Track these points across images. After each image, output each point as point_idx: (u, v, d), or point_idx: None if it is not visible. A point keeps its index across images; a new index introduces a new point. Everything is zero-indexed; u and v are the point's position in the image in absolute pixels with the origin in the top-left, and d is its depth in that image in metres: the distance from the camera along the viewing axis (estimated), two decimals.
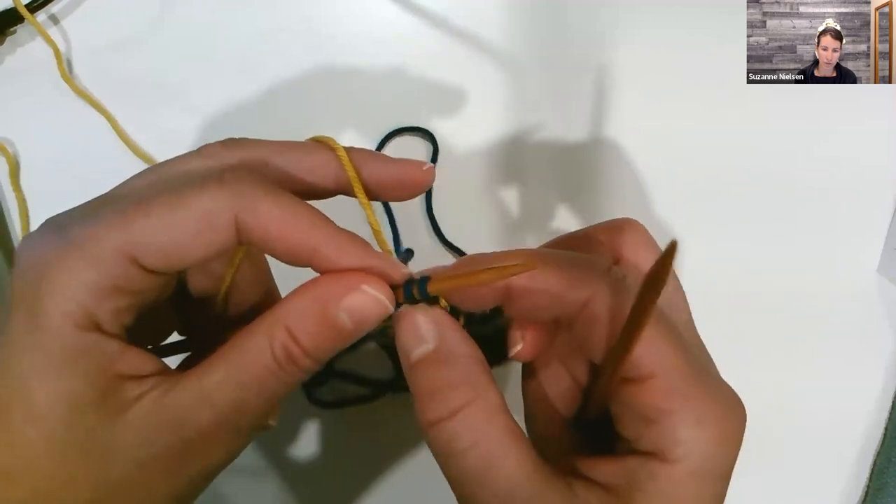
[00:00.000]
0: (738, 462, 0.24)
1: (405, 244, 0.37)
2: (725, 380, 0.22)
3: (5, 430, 0.19)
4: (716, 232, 0.38)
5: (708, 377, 0.21)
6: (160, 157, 0.38)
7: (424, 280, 0.21)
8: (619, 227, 0.24)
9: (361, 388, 0.36)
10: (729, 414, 0.21)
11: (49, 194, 0.37)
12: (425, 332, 0.21)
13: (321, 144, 0.23)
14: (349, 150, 0.23)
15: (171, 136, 0.38)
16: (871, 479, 0.37)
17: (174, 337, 0.26)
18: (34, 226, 0.37)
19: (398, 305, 0.22)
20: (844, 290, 0.38)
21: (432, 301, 0.22)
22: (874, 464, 0.37)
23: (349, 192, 0.23)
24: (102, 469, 0.19)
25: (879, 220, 0.38)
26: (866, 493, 0.36)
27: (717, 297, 0.37)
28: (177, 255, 0.20)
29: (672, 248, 0.17)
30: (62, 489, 0.19)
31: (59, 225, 0.20)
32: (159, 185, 0.21)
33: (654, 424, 0.20)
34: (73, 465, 0.19)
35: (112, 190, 0.22)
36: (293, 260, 0.21)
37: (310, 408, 0.36)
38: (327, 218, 0.21)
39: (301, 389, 0.36)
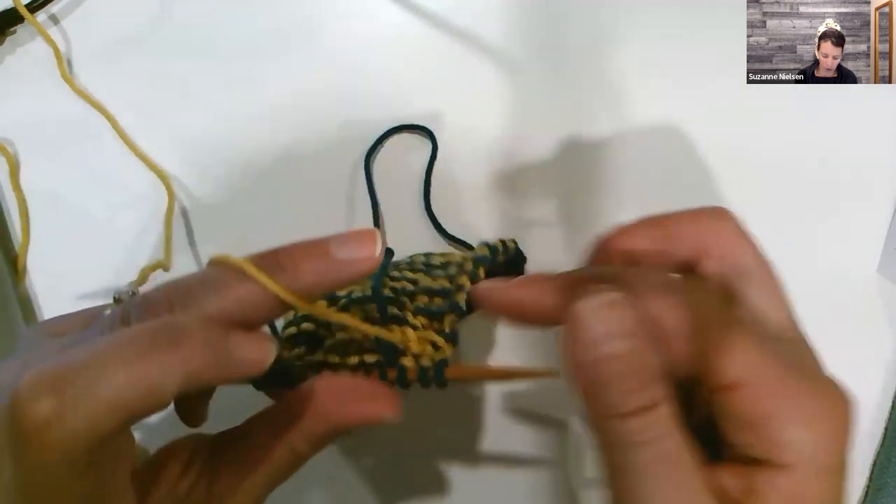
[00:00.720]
0: None
1: (404, 243, 0.37)
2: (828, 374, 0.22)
3: None
4: None
5: (804, 374, 0.21)
6: (160, 156, 0.38)
7: (442, 365, 0.24)
8: (708, 216, 0.24)
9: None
10: (834, 407, 0.20)
11: (49, 194, 0.38)
12: (622, 326, 0.20)
13: (227, 268, 0.21)
14: (257, 259, 0.21)
15: (172, 134, 0.38)
16: (870, 478, 0.37)
17: None
18: (34, 226, 0.37)
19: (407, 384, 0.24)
20: (845, 289, 0.38)
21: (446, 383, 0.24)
22: (874, 463, 0.37)
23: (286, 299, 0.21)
24: None
25: (880, 220, 0.38)
26: (866, 493, 0.36)
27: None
28: (149, 408, 0.19)
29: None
30: None
31: (58, 355, 0.19)
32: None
33: (759, 429, 0.20)
34: None
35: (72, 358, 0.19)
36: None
37: None
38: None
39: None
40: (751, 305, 0.23)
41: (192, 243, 0.37)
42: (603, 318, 0.20)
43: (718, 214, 0.24)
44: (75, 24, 0.38)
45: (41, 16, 0.38)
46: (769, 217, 0.38)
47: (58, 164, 0.38)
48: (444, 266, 0.29)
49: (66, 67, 0.38)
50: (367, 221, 0.37)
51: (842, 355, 0.37)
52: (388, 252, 0.32)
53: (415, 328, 0.25)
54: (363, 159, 0.37)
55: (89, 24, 0.38)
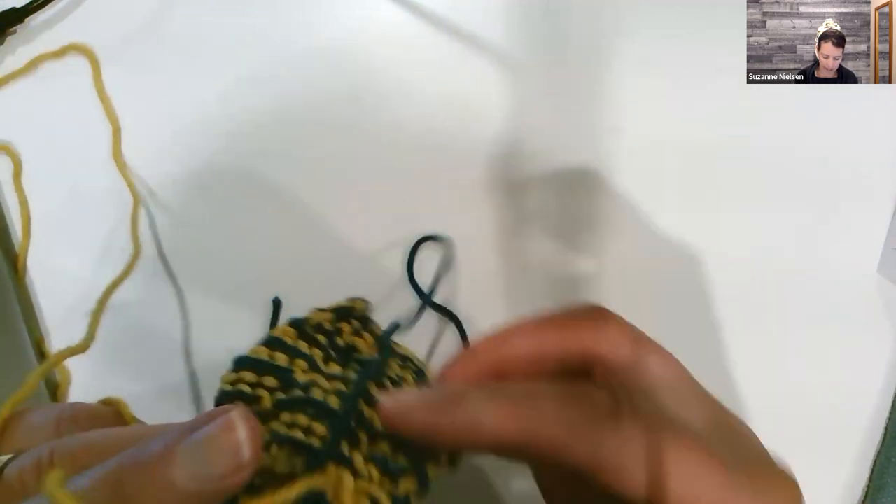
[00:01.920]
0: None
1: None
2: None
3: None
4: (715, 232, 0.38)
5: (748, 473, 0.18)
6: (161, 156, 0.38)
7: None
8: (592, 319, 0.21)
9: None
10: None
11: (50, 195, 0.38)
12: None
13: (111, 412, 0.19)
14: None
15: (173, 133, 0.38)
16: (871, 478, 0.37)
17: None
18: (35, 226, 0.37)
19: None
20: (844, 289, 0.38)
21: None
22: (874, 463, 0.37)
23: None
24: None
25: (879, 220, 0.38)
26: (866, 493, 0.37)
27: (715, 299, 0.37)
28: None
29: None
30: None
31: None
32: None
33: None
34: None
35: None
36: None
37: None
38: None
39: None
40: (664, 410, 0.20)
41: (163, 248, 0.37)
42: None
43: (602, 317, 0.21)
44: (76, 25, 0.38)
45: (42, 16, 0.38)
46: (769, 217, 0.38)
47: (59, 165, 0.38)
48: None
49: (68, 67, 0.38)
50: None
51: (842, 355, 0.37)
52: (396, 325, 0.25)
53: (356, 476, 0.19)
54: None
55: (90, 25, 0.38)
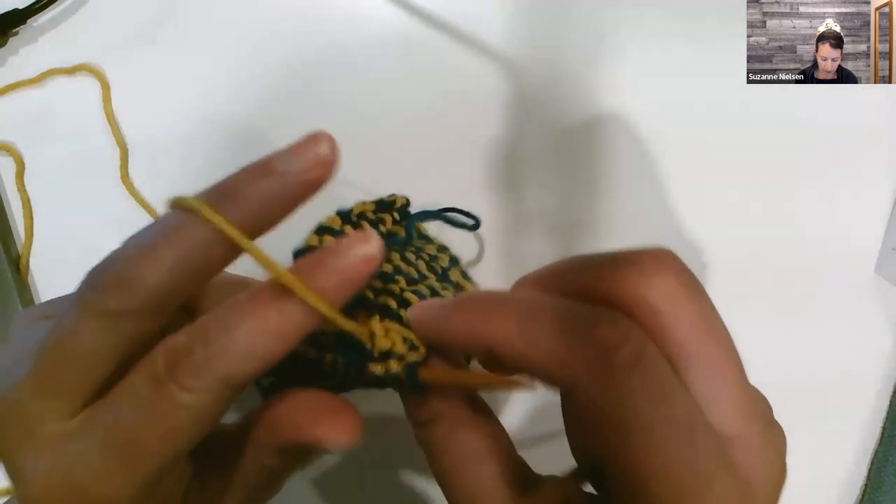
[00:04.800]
0: None
1: None
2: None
3: None
4: (714, 231, 0.38)
5: (707, 496, 0.17)
6: (162, 154, 0.38)
7: (413, 368, 0.21)
8: (644, 264, 0.18)
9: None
10: None
11: (52, 195, 0.38)
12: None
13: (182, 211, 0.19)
14: (208, 194, 0.19)
15: (173, 130, 0.38)
16: (868, 476, 0.37)
17: None
18: (38, 226, 0.37)
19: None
20: (842, 289, 0.38)
21: (423, 387, 0.21)
22: (872, 461, 0.37)
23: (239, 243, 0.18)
24: None
25: (877, 220, 0.38)
26: (864, 491, 0.37)
27: (713, 298, 0.37)
28: (189, 447, 0.19)
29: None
30: None
31: (57, 463, 0.18)
32: (102, 378, 0.19)
33: None
34: None
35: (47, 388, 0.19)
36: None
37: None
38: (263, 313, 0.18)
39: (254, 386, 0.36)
40: (689, 388, 0.18)
41: None
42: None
43: (659, 265, 0.18)
44: (76, 25, 0.38)
45: (44, 17, 0.38)
46: (767, 217, 0.38)
47: (61, 165, 0.38)
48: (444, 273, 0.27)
49: (69, 69, 0.38)
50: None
51: (839, 354, 0.38)
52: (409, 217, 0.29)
53: (386, 317, 0.21)
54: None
55: (91, 25, 0.38)
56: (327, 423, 0.20)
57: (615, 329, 0.17)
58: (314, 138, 0.18)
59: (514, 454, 0.21)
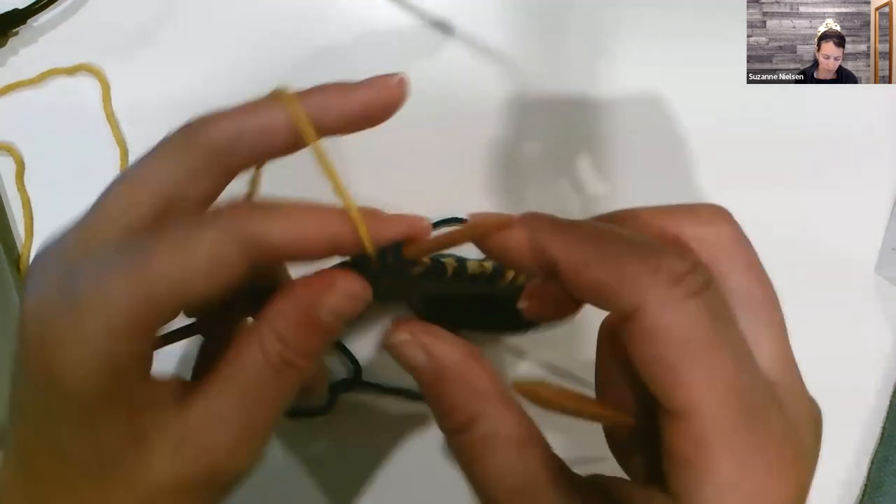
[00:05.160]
0: None
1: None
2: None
3: (48, 481, 0.20)
4: None
5: (767, 425, 0.17)
6: None
7: (399, 246, 0.21)
8: (702, 216, 0.20)
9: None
10: (778, 473, 0.17)
11: (52, 195, 0.38)
12: (415, 358, 0.21)
13: (266, 103, 0.22)
14: (305, 94, 0.22)
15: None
16: (868, 477, 0.37)
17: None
18: (37, 227, 0.37)
19: (376, 273, 0.22)
20: (842, 289, 0.38)
21: (411, 264, 0.22)
22: (872, 462, 0.37)
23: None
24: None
25: (877, 220, 0.38)
26: (864, 492, 0.37)
27: None
28: (189, 296, 0.19)
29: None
30: None
31: (64, 274, 0.19)
32: (153, 211, 0.20)
33: (681, 471, 0.17)
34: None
35: (100, 212, 0.21)
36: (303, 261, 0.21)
37: None
38: (322, 215, 0.21)
39: None
40: (741, 329, 0.19)
41: None
42: (402, 353, 0.21)
43: (716, 216, 0.20)
44: (77, 25, 0.39)
45: (44, 17, 0.38)
46: (767, 217, 0.38)
47: (61, 165, 0.38)
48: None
49: (69, 69, 0.38)
50: None
51: (839, 355, 0.38)
52: None
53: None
54: None
55: (91, 25, 0.38)
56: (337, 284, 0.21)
57: (685, 258, 0.18)
58: (387, 76, 0.23)
59: (550, 448, 0.21)
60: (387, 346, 0.21)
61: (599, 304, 0.18)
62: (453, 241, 0.21)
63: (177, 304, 0.19)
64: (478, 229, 0.20)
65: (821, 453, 0.38)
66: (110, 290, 0.18)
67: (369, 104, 0.22)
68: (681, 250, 0.18)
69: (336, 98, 0.22)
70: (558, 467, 0.19)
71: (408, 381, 0.35)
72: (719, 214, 0.20)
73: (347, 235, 0.21)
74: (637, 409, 0.21)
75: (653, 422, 0.18)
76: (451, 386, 0.20)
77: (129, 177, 0.21)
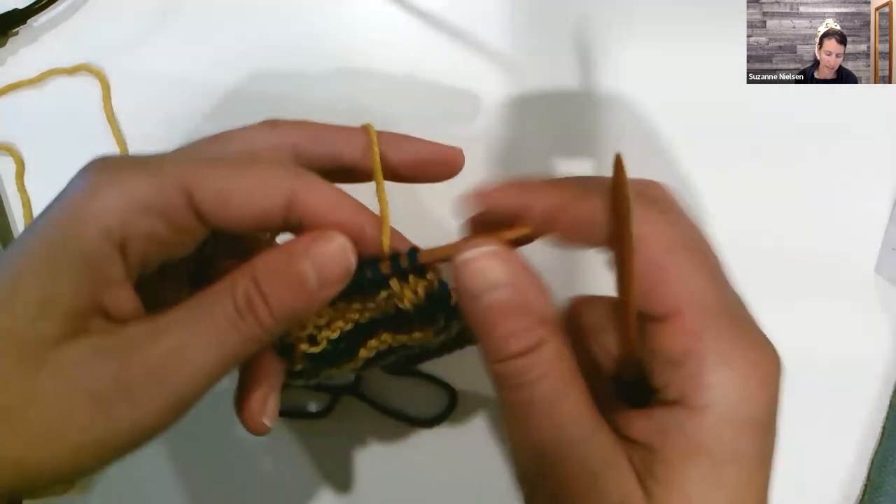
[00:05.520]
0: None
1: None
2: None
3: None
4: (714, 231, 0.37)
5: (742, 318, 0.20)
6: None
7: (413, 252, 0.23)
8: (639, 190, 0.22)
9: (319, 393, 0.36)
10: (763, 359, 0.20)
11: (52, 196, 0.38)
12: (498, 276, 0.20)
13: (354, 128, 0.25)
14: (382, 133, 0.25)
15: (172, 129, 0.38)
16: (868, 477, 0.37)
17: None
18: None
19: (387, 276, 0.23)
20: (842, 289, 0.38)
21: (420, 271, 0.23)
22: (872, 462, 0.37)
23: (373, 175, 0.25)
24: (33, 374, 0.19)
25: (877, 220, 0.38)
26: (864, 491, 0.37)
27: None
28: (228, 210, 0.21)
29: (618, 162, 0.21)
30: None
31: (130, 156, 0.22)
32: (222, 148, 0.23)
33: (680, 367, 0.19)
34: (14, 369, 0.19)
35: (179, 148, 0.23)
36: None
37: None
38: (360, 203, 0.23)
39: None
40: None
41: None
42: (480, 270, 0.20)
43: (650, 189, 0.23)
44: (76, 25, 0.39)
45: (44, 17, 0.38)
46: (768, 217, 0.38)
47: (61, 165, 0.38)
48: None
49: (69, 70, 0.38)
50: None
51: (839, 355, 0.37)
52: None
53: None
54: None
55: (91, 25, 0.38)
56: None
57: (655, 187, 0.23)
58: (460, 150, 0.27)
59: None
60: (458, 260, 0.21)
61: (591, 235, 0.21)
62: (460, 249, 0.21)
63: (212, 204, 0.21)
64: (494, 238, 0.21)
65: (821, 453, 0.38)
66: (167, 160, 0.21)
67: (437, 160, 0.26)
68: (650, 183, 0.23)
69: (410, 145, 0.26)
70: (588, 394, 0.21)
71: (403, 403, 0.36)
72: (654, 190, 0.23)
73: (371, 232, 0.23)
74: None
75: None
76: (533, 300, 0.20)
77: (244, 158, 0.23)
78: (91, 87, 0.38)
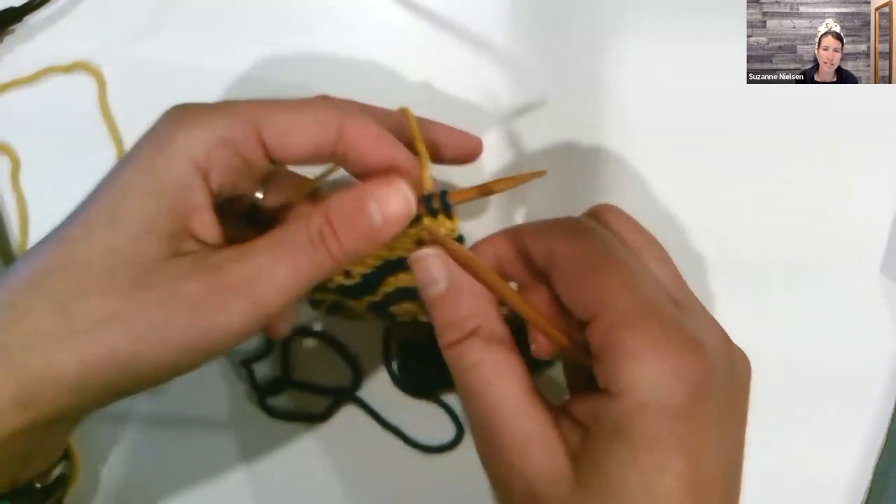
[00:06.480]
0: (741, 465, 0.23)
1: None
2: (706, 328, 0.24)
3: (89, 230, 0.23)
4: (716, 231, 0.38)
5: (661, 317, 0.22)
6: None
7: (444, 193, 0.27)
8: (598, 212, 0.28)
9: (319, 396, 0.36)
10: (682, 350, 0.21)
11: (48, 194, 0.37)
12: (437, 273, 0.25)
13: (392, 110, 0.29)
14: (417, 118, 0.29)
15: None
16: (873, 480, 0.36)
17: None
18: (33, 227, 0.37)
19: (420, 215, 0.26)
20: (847, 290, 0.37)
21: (448, 212, 0.27)
22: (876, 465, 0.37)
23: (412, 148, 0.28)
24: (141, 286, 0.22)
25: (881, 220, 0.38)
26: (868, 495, 0.36)
27: (716, 299, 0.37)
28: (290, 142, 0.24)
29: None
30: (100, 294, 0.22)
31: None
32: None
33: (600, 360, 0.22)
34: (125, 283, 0.22)
35: None
36: (374, 169, 0.26)
37: (264, 419, 0.36)
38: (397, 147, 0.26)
39: (255, 397, 0.36)
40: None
41: None
42: (425, 266, 0.25)
43: (607, 211, 0.28)
44: (75, 25, 0.38)
45: (39, 15, 0.38)
46: (768, 217, 0.38)
47: (57, 163, 0.37)
48: None
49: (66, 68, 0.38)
50: None
51: (844, 356, 0.37)
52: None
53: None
54: None
55: (90, 24, 0.38)
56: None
57: (580, 220, 0.27)
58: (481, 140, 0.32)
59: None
60: (412, 260, 0.25)
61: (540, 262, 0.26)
62: (494, 190, 0.28)
63: (278, 140, 0.24)
64: (516, 179, 0.28)
65: (825, 454, 0.38)
66: (236, 104, 0.25)
67: (464, 146, 0.31)
68: (582, 217, 0.27)
69: (443, 129, 0.31)
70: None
71: (405, 418, 0.36)
72: (614, 208, 0.28)
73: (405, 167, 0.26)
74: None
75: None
76: (464, 297, 0.25)
77: (298, 102, 0.26)
78: (87, 84, 0.38)
